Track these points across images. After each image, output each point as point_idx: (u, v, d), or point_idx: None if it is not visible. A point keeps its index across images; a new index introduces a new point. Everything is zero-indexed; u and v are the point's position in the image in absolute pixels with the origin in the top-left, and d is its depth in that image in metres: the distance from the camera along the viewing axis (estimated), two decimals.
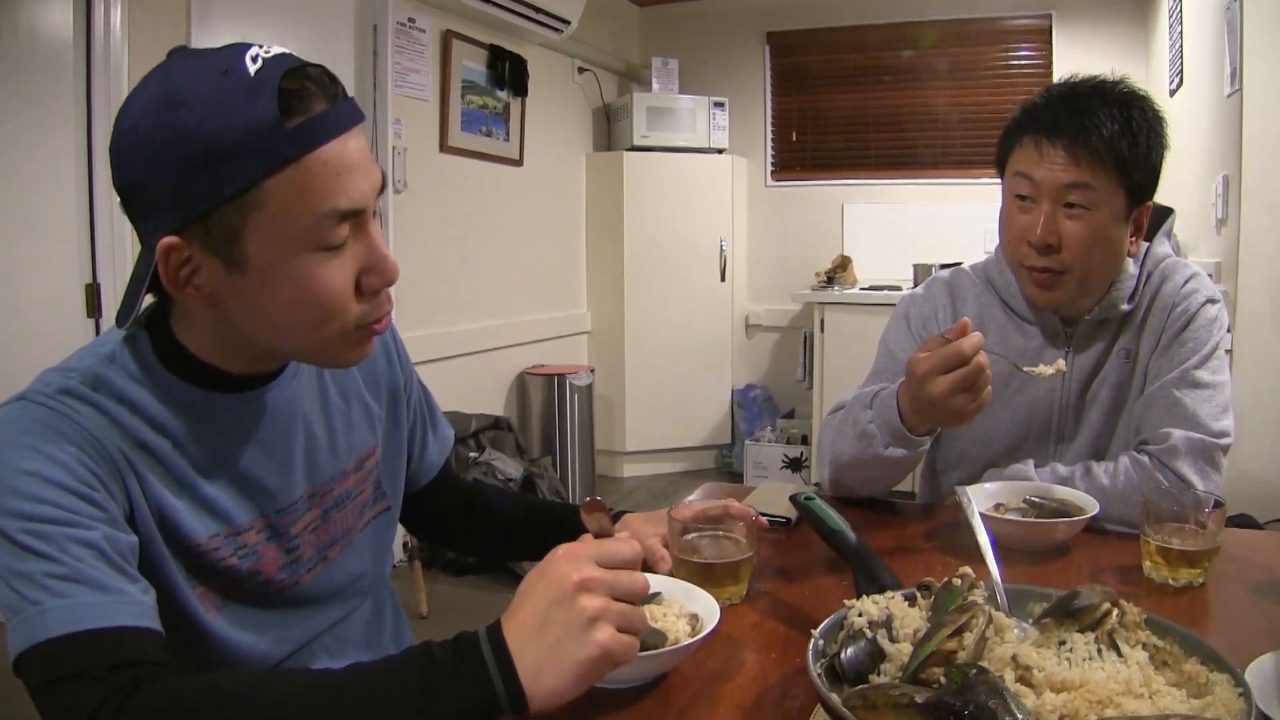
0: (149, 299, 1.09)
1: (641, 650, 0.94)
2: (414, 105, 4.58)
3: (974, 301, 1.85)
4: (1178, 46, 4.46)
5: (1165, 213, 1.83)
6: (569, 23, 5.32)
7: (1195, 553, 1.34)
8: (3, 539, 0.94)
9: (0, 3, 2.95)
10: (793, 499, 1.46)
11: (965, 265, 1.95)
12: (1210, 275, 3.41)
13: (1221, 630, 1.26)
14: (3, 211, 2.89)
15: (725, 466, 6.35)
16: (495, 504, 1.60)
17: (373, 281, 1.06)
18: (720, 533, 1.33)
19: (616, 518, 1.49)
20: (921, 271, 5.31)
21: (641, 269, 6.06)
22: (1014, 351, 1.79)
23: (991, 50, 5.97)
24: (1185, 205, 4.02)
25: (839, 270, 5.93)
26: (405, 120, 4.49)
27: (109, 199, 2.97)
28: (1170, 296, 1.72)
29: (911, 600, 1.06)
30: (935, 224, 5.91)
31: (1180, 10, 4.41)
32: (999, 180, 1.75)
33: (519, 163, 5.43)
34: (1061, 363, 1.60)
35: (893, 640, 0.98)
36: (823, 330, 5.59)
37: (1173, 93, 4.57)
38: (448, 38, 4.77)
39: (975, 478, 1.75)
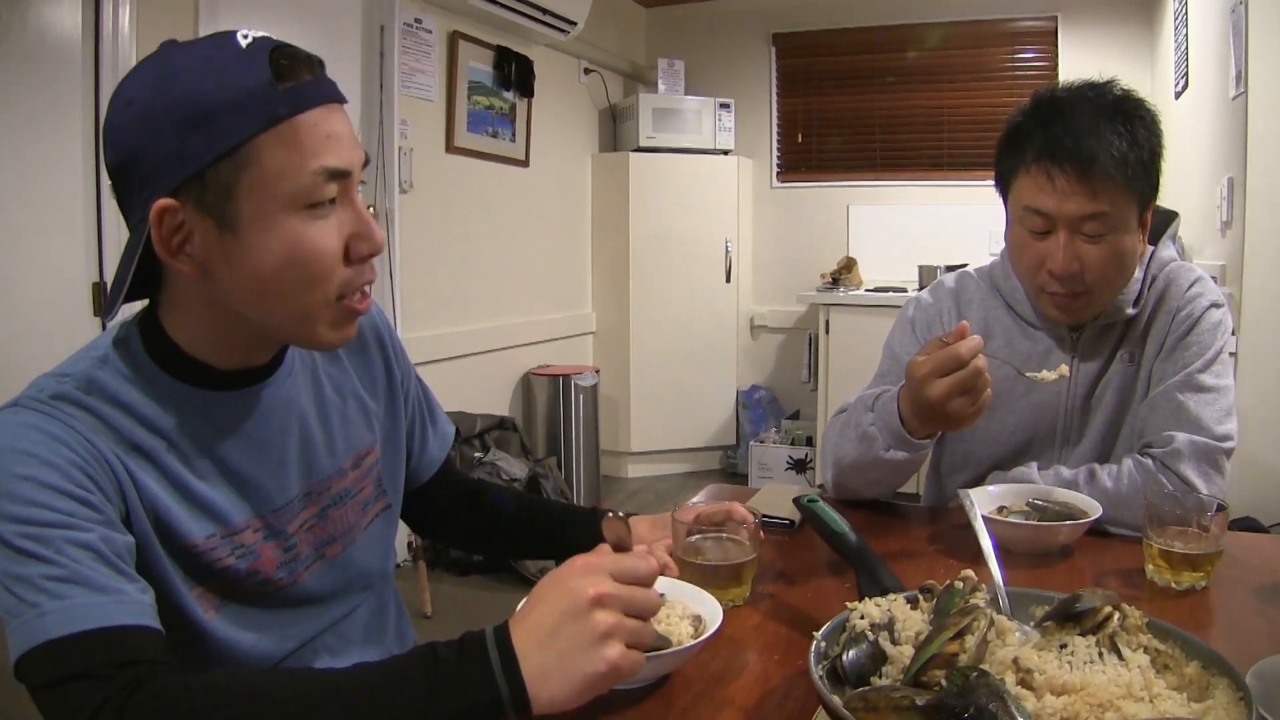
0: (138, 305, 1.11)
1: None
2: (420, 106, 4.58)
3: (979, 306, 1.85)
4: (1183, 49, 4.46)
5: (1170, 217, 1.82)
6: (575, 24, 5.32)
7: (1198, 556, 1.34)
8: (0, 543, 0.95)
9: (9, 1, 2.96)
10: (796, 501, 1.46)
11: (971, 269, 1.94)
12: (1215, 278, 3.40)
13: (1224, 634, 1.26)
14: (10, 210, 2.90)
15: (730, 468, 6.35)
16: (498, 502, 1.60)
17: (360, 248, 1.09)
18: (723, 535, 1.34)
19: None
20: (927, 273, 5.31)
21: (647, 270, 6.06)
22: (1019, 356, 1.79)
23: (997, 52, 5.97)
24: (1190, 208, 4.02)
25: (844, 272, 5.93)
26: (411, 121, 4.50)
27: None
28: (1175, 300, 1.72)
29: (913, 603, 1.06)
30: (940, 226, 5.91)
31: (1185, 12, 4.41)
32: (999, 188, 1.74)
33: (525, 163, 5.43)
34: (1064, 368, 1.59)
35: (894, 643, 0.98)
36: (828, 332, 5.60)
37: (1178, 95, 4.56)
38: (454, 38, 4.78)
39: (979, 480, 1.75)
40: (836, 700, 0.86)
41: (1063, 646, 0.97)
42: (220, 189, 1.01)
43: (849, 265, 5.95)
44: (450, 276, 4.88)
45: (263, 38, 1.04)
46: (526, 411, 5.46)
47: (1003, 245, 1.81)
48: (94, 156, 3.06)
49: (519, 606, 1.05)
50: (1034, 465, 1.73)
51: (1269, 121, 3.25)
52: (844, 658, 0.97)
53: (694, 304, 6.17)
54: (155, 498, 1.06)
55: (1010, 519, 1.52)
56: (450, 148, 4.82)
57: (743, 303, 6.41)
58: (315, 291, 1.07)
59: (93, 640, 0.91)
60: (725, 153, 6.20)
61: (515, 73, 5.18)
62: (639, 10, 6.72)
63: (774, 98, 6.50)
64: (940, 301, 1.89)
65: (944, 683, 0.87)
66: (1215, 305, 1.71)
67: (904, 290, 5.48)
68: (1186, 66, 4.40)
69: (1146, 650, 0.97)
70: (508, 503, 1.61)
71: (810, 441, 5.89)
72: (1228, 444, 1.62)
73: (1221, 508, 1.36)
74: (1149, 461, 1.61)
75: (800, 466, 5.83)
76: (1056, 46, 5.79)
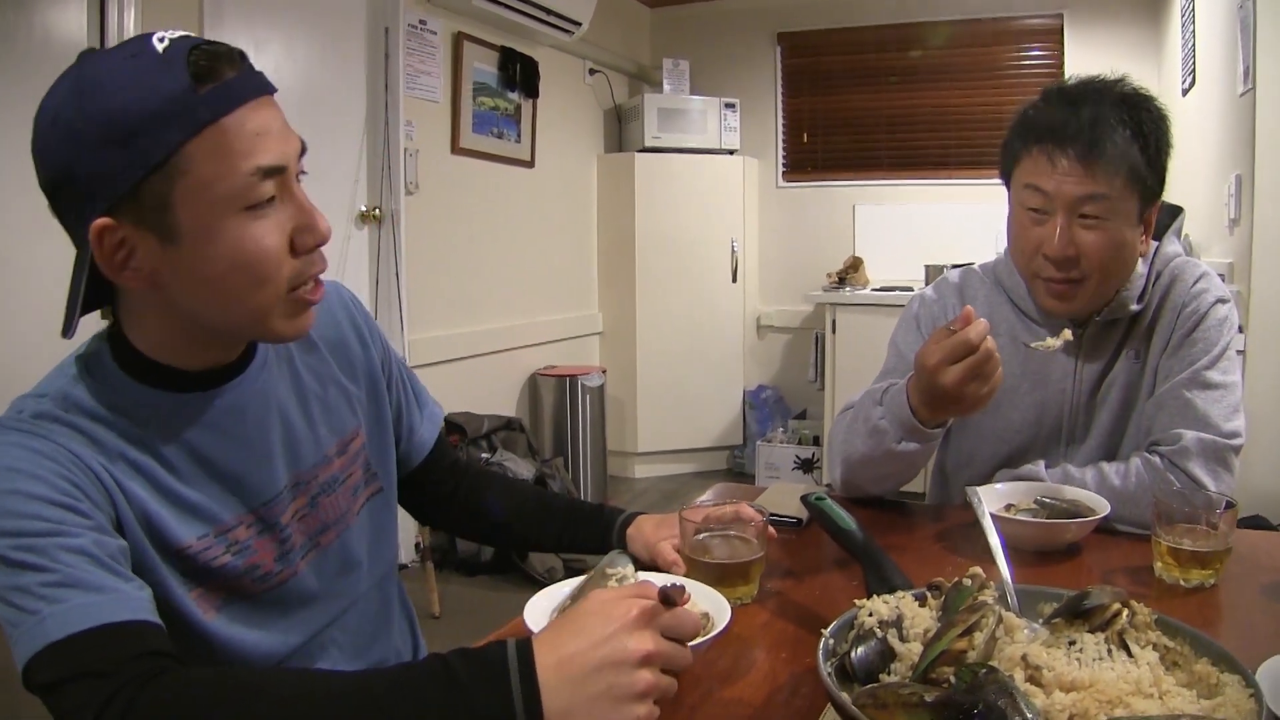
0: (98, 317, 1.11)
1: None
2: (425, 107, 4.59)
3: (984, 302, 1.85)
4: (1190, 46, 4.45)
5: (1174, 212, 1.82)
6: (580, 24, 5.33)
7: (1207, 554, 1.34)
8: None
9: (15, 4, 2.96)
10: (803, 499, 1.46)
11: (975, 265, 1.94)
12: (1223, 275, 3.40)
13: (1233, 631, 1.26)
14: (15, 212, 2.91)
15: (737, 467, 6.35)
16: (503, 491, 1.60)
17: (305, 240, 1.08)
18: (731, 533, 1.33)
19: (630, 519, 1.50)
20: (933, 272, 5.30)
21: (653, 270, 6.06)
22: (1022, 351, 1.79)
23: (1003, 50, 5.96)
24: (1197, 205, 4.01)
25: (850, 271, 5.93)
26: (416, 122, 4.50)
27: None
28: (1180, 297, 1.71)
29: (922, 600, 1.06)
30: (947, 225, 5.91)
31: (1193, 9, 4.40)
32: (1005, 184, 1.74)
33: (530, 164, 5.44)
34: (1067, 332, 1.60)
35: (903, 640, 0.98)
36: (834, 331, 5.59)
37: (1185, 92, 4.55)
38: (459, 40, 4.78)
39: (986, 478, 1.74)
40: (845, 697, 0.87)
41: (1071, 643, 0.97)
42: (155, 202, 0.99)
43: (855, 265, 5.95)
44: (456, 278, 4.88)
45: (180, 38, 1.02)
46: (533, 412, 5.47)
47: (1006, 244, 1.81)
48: None
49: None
50: (1041, 463, 1.73)
51: (1276, 118, 3.24)
52: (852, 655, 0.97)
53: (700, 304, 6.16)
54: (144, 504, 1.07)
55: (1018, 516, 1.51)
56: (455, 149, 4.82)
57: (749, 303, 6.40)
58: (265, 289, 1.07)
59: (93, 639, 0.91)
60: (731, 153, 6.19)
61: (520, 74, 5.19)
62: (643, 10, 6.72)
63: (779, 97, 6.50)
64: (945, 298, 1.89)
65: (953, 679, 0.87)
66: (1221, 301, 1.70)
67: (910, 289, 5.47)
68: (1194, 63, 4.39)
69: (1155, 647, 0.97)
70: (515, 494, 1.61)
71: (817, 441, 5.89)
72: (1236, 441, 1.62)
73: (1230, 505, 1.36)
74: (1157, 460, 1.61)
75: (807, 466, 5.83)
76: (1063, 44, 5.78)
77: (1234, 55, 3.56)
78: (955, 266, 1.89)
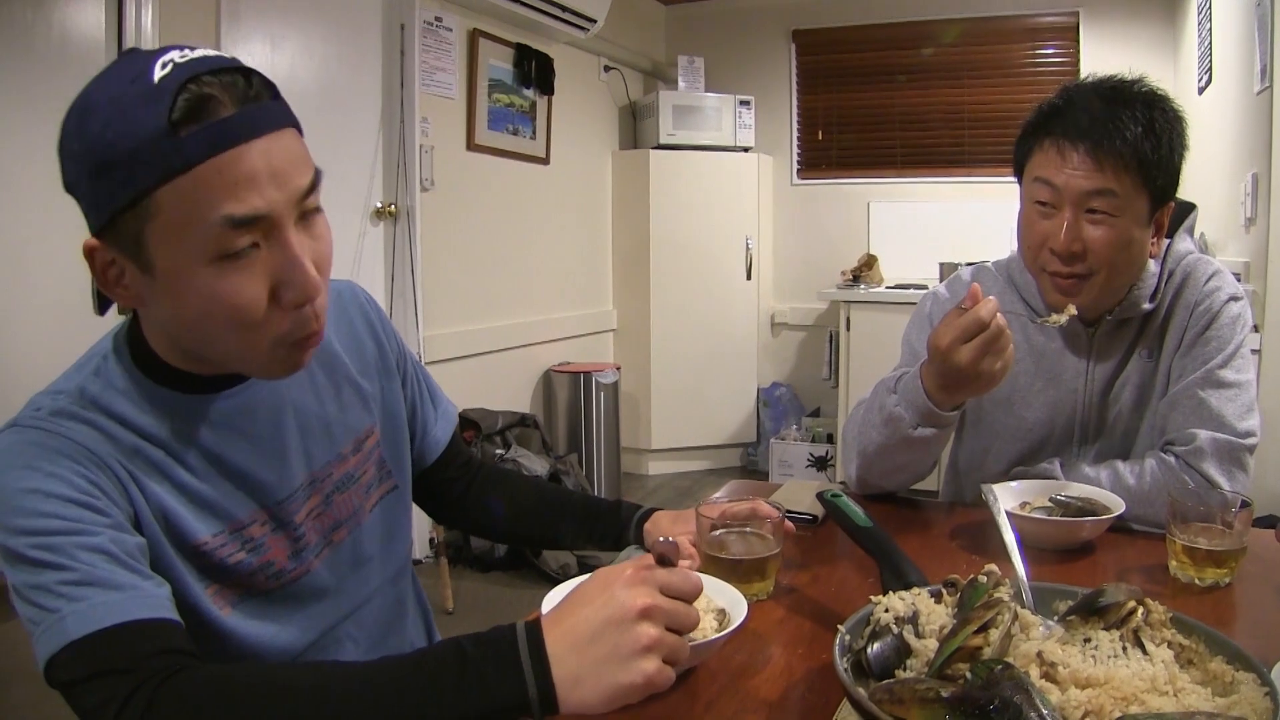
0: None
1: None
2: (441, 104, 4.60)
3: (996, 299, 1.85)
4: (1207, 43, 4.43)
5: (1187, 209, 1.81)
6: (595, 21, 5.33)
7: (1222, 553, 1.34)
8: (15, 558, 0.97)
9: (34, 3, 2.98)
10: (819, 496, 1.46)
11: (989, 263, 1.94)
12: (1238, 274, 3.39)
13: (1248, 630, 1.26)
14: (31, 210, 2.93)
15: (750, 465, 6.35)
16: (517, 488, 1.61)
17: (287, 296, 1.03)
18: (748, 530, 1.34)
19: (646, 515, 1.50)
20: (948, 270, 5.29)
21: (667, 267, 6.06)
22: (1035, 351, 1.79)
23: (1018, 48, 5.94)
24: (1214, 204, 4.00)
25: (865, 269, 5.92)
26: (432, 118, 4.52)
27: None
28: (1193, 295, 1.71)
29: (937, 597, 1.07)
30: (961, 222, 5.89)
31: (1209, 7, 4.38)
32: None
33: (545, 161, 5.45)
34: (1072, 308, 1.62)
35: (918, 636, 0.99)
36: (848, 329, 5.59)
37: (1202, 90, 4.54)
38: (474, 36, 4.79)
39: (1000, 477, 1.75)
40: (862, 692, 0.87)
41: (1086, 640, 0.97)
42: (130, 236, 0.98)
43: (870, 262, 5.94)
44: (471, 274, 4.90)
45: (186, 64, 0.96)
46: (547, 408, 5.48)
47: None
48: None
49: (548, 598, 1.06)
50: (1056, 461, 1.73)
51: None
52: (869, 651, 0.97)
53: (714, 301, 6.17)
54: (161, 500, 1.08)
55: (1033, 514, 1.52)
56: (471, 145, 4.83)
57: (763, 300, 6.40)
58: (245, 336, 1.04)
59: (113, 636, 0.92)
60: (745, 150, 6.19)
61: (535, 70, 5.19)
62: (658, 7, 6.72)
63: (794, 94, 6.49)
64: (957, 295, 1.89)
65: (968, 676, 0.87)
66: (1234, 299, 1.70)
67: (924, 287, 5.45)
68: (1210, 61, 4.37)
69: (1170, 645, 0.97)
70: (529, 491, 1.62)
71: (831, 439, 5.89)
72: (1250, 440, 1.62)
73: (1245, 504, 1.36)
74: (1172, 459, 1.61)
75: (821, 464, 5.82)
76: (1078, 42, 5.76)
77: (1251, 53, 3.54)
78: (969, 264, 1.89)
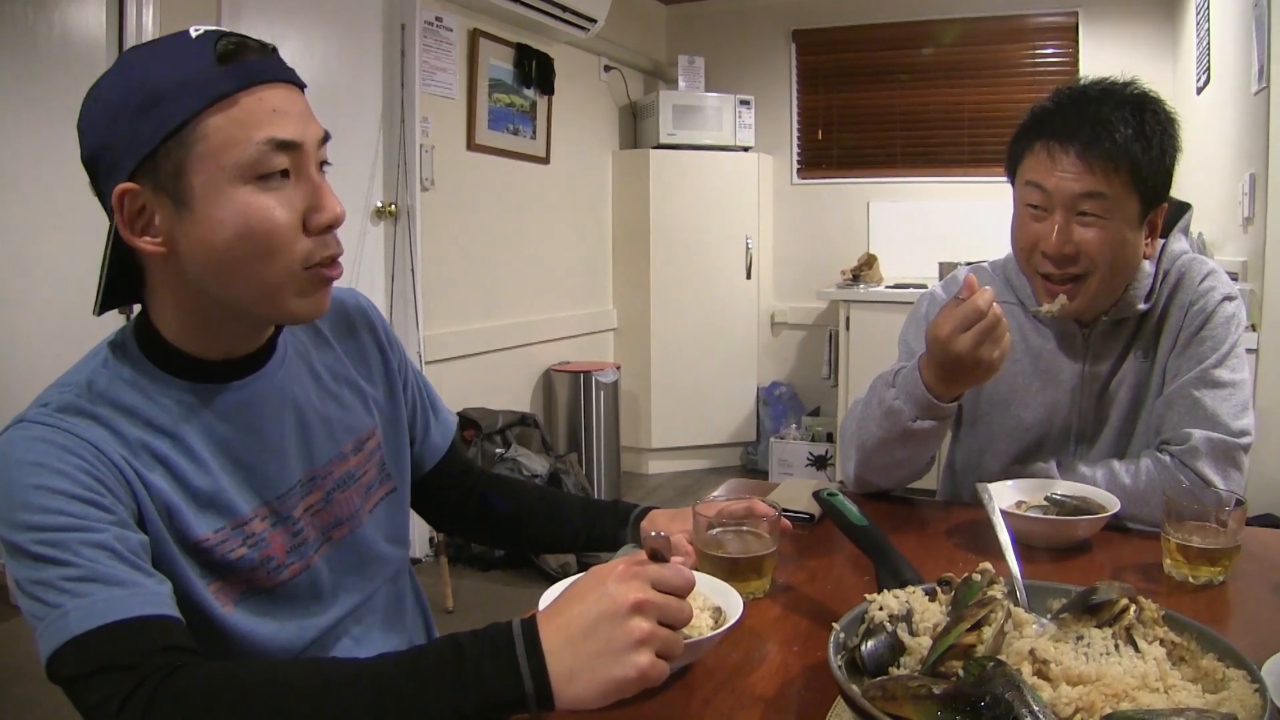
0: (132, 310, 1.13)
1: None
2: (441, 103, 4.61)
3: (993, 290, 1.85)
4: (1205, 43, 4.44)
5: (1182, 208, 1.81)
6: (595, 21, 5.34)
7: (1216, 551, 1.34)
8: (19, 553, 0.98)
9: (35, 4, 2.99)
10: (816, 495, 1.47)
11: (985, 263, 1.95)
12: (1236, 274, 3.40)
13: (1241, 628, 1.27)
14: (36, 208, 2.94)
15: (750, 464, 6.36)
16: (515, 494, 1.62)
17: (317, 220, 1.11)
18: (744, 528, 1.35)
19: (643, 514, 1.51)
20: (947, 269, 5.27)
21: (667, 266, 6.07)
22: (1031, 352, 1.80)
23: (1017, 48, 5.95)
24: (1211, 204, 4.00)
25: (864, 268, 5.92)
26: (433, 118, 4.53)
27: None
28: (1187, 294, 1.71)
29: (932, 595, 1.07)
30: (961, 222, 5.89)
31: (1207, 7, 4.39)
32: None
33: (546, 160, 5.45)
34: (1063, 298, 1.64)
35: (912, 634, 0.99)
36: (848, 328, 5.59)
37: (1200, 90, 4.54)
38: (475, 36, 4.80)
39: (997, 477, 1.75)
40: (855, 689, 0.88)
41: (1079, 638, 0.97)
42: (172, 167, 1.04)
43: (869, 262, 5.95)
44: (471, 273, 4.90)
45: (214, 29, 1.08)
46: (547, 408, 5.49)
47: None
48: None
49: (545, 596, 1.07)
50: (1053, 461, 1.74)
51: None
52: (863, 648, 0.98)
53: (714, 300, 6.17)
54: (165, 496, 1.09)
55: (1029, 513, 1.52)
56: (471, 145, 4.84)
57: (763, 299, 6.41)
58: (275, 262, 1.09)
59: (115, 632, 0.93)
60: (745, 149, 6.20)
61: (536, 70, 5.20)
62: (659, 7, 6.72)
63: (794, 94, 6.50)
64: (952, 296, 1.90)
65: (961, 673, 0.88)
66: (1228, 298, 1.70)
67: (924, 287, 5.42)
68: (1208, 61, 4.38)
69: (1163, 643, 0.97)
70: (525, 494, 1.63)
71: (831, 438, 5.89)
72: (1245, 439, 1.63)
73: (1240, 503, 1.37)
74: (1167, 458, 1.62)
75: (821, 463, 5.83)
76: (1077, 42, 5.77)
77: (1249, 53, 3.55)
78: (967, 264, 1.90)
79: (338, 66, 4.10)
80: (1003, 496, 1.54)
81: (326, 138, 1.14)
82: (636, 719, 1.00)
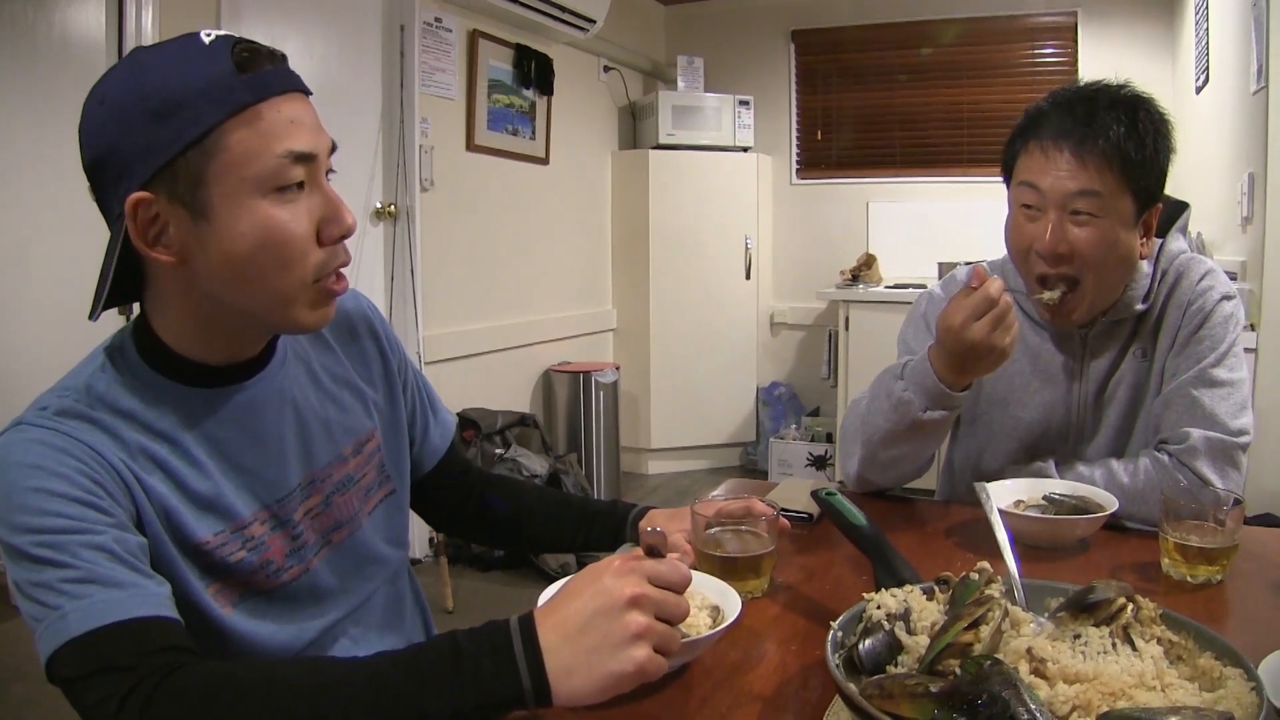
0: (131, 310, 1.13)
1: None
2: (441, 104, 4.61)
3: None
4: (1204, 43, 4.44)
5: (1180, 208, 1.82)
6: (594, 22, 5.34)
7: (1214, 550, 1.35)
8: (18, 555, 0.98)
9: (35, 3, 2.99)
10: (814, 494, 1.47)
11: (984, 262, 1.95)
12: (1234, 274, 3.40)
13: (1239, 627, 1.27)
14: (35, 210, 2.94)
15: (750, 464, 6.36)
16: (514, 494, 1.62)
17: (331, 231, 1.12)
18: (743, 528, 1.35)
19: (642, 514, 1.52)
20: (946, 269, 5.27)
21: (667, 267, 6.07)
22: (1031, 350, 1.80)
23: (1017, 48, 5.95)
24: (1211, 203, 4.01)
25: (864, 268, 5.93)
26: (432, 119, 4.53)
27: None
28: (1186, 294, 1.72)
29: (929, 594, 1.07)
30: (960, 222, 5.89)
31: (1206, 6, 4.39)
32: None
33: (545, 161, 5.45)
34: (1063, 285, 1.66)
35: (910, 633, 0.99)
36: (847, 328, 5.59)
37: (1199, 90, 4.54)
38: (474, 37, 4.80)
39: (996, 476, 1.75)
40: (852, 688, 0.88)
41: (1076, 637, 0.98)
42: (191, 177, 1.03)
43: (869, 262, 5.95)
44: (471, 274, 4.91)
45: (225, 35, 1.07)
46: (547, 408, 5.49)
47: None
48: None
49: (543, 595, 1.07)
50: (1051, 461, 1.74)
51: None
52: (860, 647, 0.98)
53: (714, 301, 6.18)
54: (164, 500, 1.09)
55: (1027, 513, 1.53)
56: (470, 146, 4.84)
57: (763, 299, 6.41)
58: (290, 274, 1.09)
59: (114, 633, 0.93)
60: (745, 150, 6.20)
61: (535, 71, 5.20)
62: (658, 8, 6.73)
63: (793, 94, 6.50)
64: (951, 296, 1.90)
65: (958, 671, 0.88)
66: (1227, 298, 1.70)
67: (923, 287, 5.42)
68: (1207, 61, 4.38)
69: (1160, 641, 0.98)
70: (524, 495, 1.63)
71: (830, 438, 5.89)
72: (1243, 439, 1.63)
73: (1238, 502, 1.37)
74: (1165, 458, 1.62)
75: (820, 463, 5.83)
76: (1076, 42, 5.77)
77: (1247, 53, 3.55)
78: (967, 264, 1.90)
79: (337, 67, 4.10)
80: (1001, 496, 1.54)
81: (334, 148, 1.15)
82: (634, 717, 1.00)
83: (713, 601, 1.17)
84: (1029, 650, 0.91)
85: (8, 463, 1.01)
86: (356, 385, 1.36)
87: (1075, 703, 0.85)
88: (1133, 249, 1.66)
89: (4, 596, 1.01)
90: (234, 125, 1.03)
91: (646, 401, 6.13)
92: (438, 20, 4.53)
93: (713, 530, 1.34)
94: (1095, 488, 1.60)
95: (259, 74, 1.05)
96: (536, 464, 4.59)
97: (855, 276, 5.91)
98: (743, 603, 1.15)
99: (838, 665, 0.94)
